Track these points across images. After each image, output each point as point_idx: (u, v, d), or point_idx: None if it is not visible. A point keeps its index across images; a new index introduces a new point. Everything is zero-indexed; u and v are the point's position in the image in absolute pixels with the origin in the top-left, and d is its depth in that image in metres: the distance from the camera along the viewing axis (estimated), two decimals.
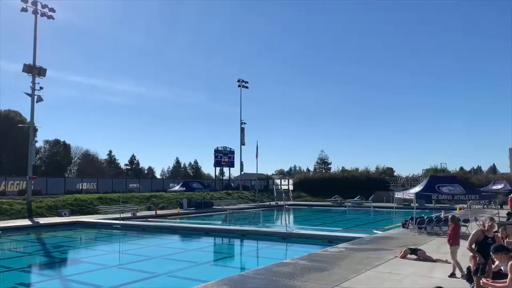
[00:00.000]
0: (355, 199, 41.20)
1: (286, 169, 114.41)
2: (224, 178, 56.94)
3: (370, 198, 41.26)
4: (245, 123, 50.71)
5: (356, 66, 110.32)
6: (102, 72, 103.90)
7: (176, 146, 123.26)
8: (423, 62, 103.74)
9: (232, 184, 53.39)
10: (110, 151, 75.97)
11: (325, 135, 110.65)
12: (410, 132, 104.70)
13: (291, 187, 51.65)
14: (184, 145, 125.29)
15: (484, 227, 6.58)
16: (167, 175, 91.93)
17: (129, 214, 27.60)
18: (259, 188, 50.39)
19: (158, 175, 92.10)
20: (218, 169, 54.30)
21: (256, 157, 47.45)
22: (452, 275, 8.50)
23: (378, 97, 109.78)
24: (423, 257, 10.61)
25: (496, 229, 6.68)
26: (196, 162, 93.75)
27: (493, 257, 5.41)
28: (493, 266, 5.94)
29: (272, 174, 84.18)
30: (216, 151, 49.13)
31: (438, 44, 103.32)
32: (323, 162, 68.98)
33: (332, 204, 41.35)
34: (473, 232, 6.38)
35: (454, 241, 8.47)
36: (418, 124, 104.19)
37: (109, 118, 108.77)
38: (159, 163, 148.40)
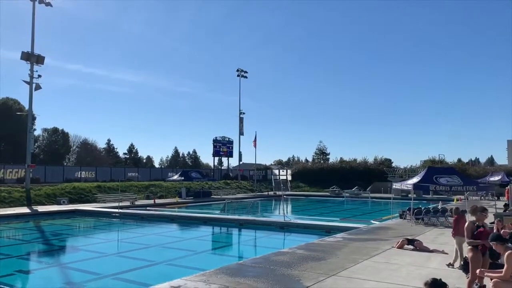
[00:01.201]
0: (353, 189, 41.36)
1: (284, 159, 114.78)
2: (222, 168, 57.00)
3: (368, 189, 41.40)
4: (244, 113, 50.61)
5: (356, 56, 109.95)
6: (101, 60, 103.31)
7: (175, 136, 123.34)
8: (422, 53, 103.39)
9: (231, 174, 53.49)
10: (109, 140, 75.97)
11: (324, 126, 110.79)
12: (408, 123, 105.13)
13: (289, 178, 51.80)
14: (183, 134, 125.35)
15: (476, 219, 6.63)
16: (166, 165, 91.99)
17: (127, 203, 27.67)
18: (258, 178, 50.50)
19: (156, 164, 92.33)
20: (216, 159, 54.26)
21: (254, 146, 47.37)
22: (450, 265, 8.54)
23: (377, 88, 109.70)
24: (420, 247, 10.67)
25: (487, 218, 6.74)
26: (195, 151, 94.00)
27: (491, 245, 5.45)
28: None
29: (271, 165, 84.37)
30: (215, 141, 49.06)
31: (438, 35, 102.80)
32: (322, 153, 69.07)
33: (330, 195, 41.52)
34: (465, 226, 6.38)
35: (456, 232, 8.48)
36: (417, 115, 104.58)
37: (108, 107, 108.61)
38: (157, 152, 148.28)
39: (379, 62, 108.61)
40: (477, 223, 6.34)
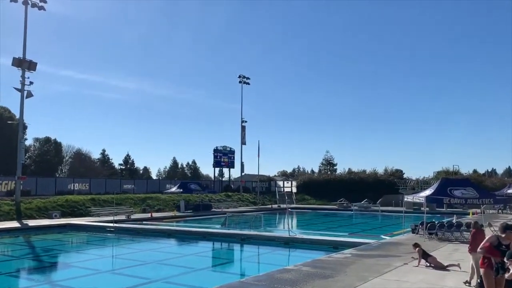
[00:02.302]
0: (362, 202, 41.19)
1: (289, 170, 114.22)
2: (223, 179, 56.98)
3: (378, 202, 41.22)
4: (246, 121, 50.79)
5: (363, 64, 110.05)
6: (96, 67, 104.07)
7: (174, 146, 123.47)
8: (434, 60, 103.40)
9: (232, 186, 53.38)
10: (104, 150, 76.24)
11: (330, 135, 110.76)
12: (420, 132, 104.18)
13: (294, 190, 51.67)
14: (182, 144, 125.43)
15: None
16: (164, 176, 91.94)
17: (123, 217, 27.66)
18: (261, 190, 50.45)
19: (154, 176, 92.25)
20: (217, 169, 54.33)
21: (258, 156, 47.48)
22: (467, 282, 8.46)
23: (387, 96, 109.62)
24: (433, 263, 10.58)
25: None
26: (194, 162, 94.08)
27: (507, 264, 5.39)
28: (506, 275, 5.91)
29: (275, 176, 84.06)
30: (216, 150, 49.20)
31: (451, 42, 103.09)
32: (329, 163, 69.00)
33: (337, 208, 41.38)
34: (487, 237, 6.34)
35: (473, 248, 8.37)
36: (429, 124, 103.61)
37: (103, 115, 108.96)
38: (155, 163, 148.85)
39: (388, 70, 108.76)
40: (503, 242, 6.12)
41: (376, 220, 32.41)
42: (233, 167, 51.69)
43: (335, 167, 68.51)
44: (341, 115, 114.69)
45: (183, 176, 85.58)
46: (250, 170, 55.32)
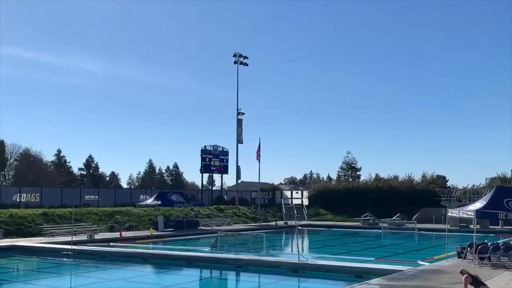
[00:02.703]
0: (394, 218, 41.18)
1: (299, 176, 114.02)
2: (214, 188, 56.97)
3: (414, 217, 41.21)
4: (243, 114, 50.55)
5: (396, 41, 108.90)
6: (48, 43, 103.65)
7: (149, 145, 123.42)
8: (493, 49, 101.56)
9: (225, 197, 53.24)
10: (59, 151, 76.36)
11: (352, 131, 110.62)
12: (470, 129, 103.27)
13: (305, 201, 51.58)
14: (160, 143, 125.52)
15: None
16: (137, 184, 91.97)
17: (84, 237, 27.70)
18: (262, 202, 50.38)
19: (124, 184, 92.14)
20: (206, 176, 54.32)
21: (258, 158, 47.37)
22: None
23: (424, 82, 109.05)
24: None
25: None
26: (176, 166, 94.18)
27: None
28: None
29: (280, 184, 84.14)
30: (204, 151, 49.20)
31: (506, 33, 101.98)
32: (350, 168, 69.02)
33: (362, 225, 41.42)
34: None
35: None
36: (480, 120, 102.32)
37: (58, 106, 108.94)
38: (125, 167, 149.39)
39: (422, 46, 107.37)
40: None
41: (412, 240, 32.33)
42: (226, 172, 51.63)
43: (358, 173, 68.46)
44: (366, 106, 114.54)
45: (162, 184, 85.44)
46: (248, 176, 55.38)
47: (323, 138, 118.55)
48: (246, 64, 50.82)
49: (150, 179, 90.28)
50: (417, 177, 52.99)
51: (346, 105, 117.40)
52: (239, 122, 50.47)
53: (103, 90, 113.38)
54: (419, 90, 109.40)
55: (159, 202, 35.38)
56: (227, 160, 50.94)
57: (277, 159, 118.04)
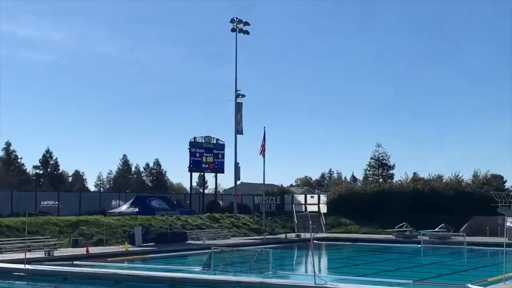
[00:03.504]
0: (437, 229, 41.09)
1: (315, 176, 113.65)
2: (206, 191, 57.02)
3: (462, 229, 41.05)
4: (243, 96, 50.51)
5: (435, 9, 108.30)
6: None
7: (124, 137, 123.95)
8: None
9: (221, 203, 53.11)
10: (8, 144, 76.33)
11: (382, 119, 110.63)
12: None
13: (323, 208, 51.63)
14: (137, 135, 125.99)
15: None
16: (107, 186, 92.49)
17: (41, 254, 27.62)
18: (268, 209, 50.41)
19: (91, 186, 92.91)
20: (196, 176, 53.82)
21: (262, 153, 47.21)
22: None
23: (471, 56, 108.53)
24: None
25: None
26: (157, 163, 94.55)
27: None
28: None
29: (291, 186, 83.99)
30: (193, 144, 49.02)
31: None
32: (381, 165, 68.76)
33: (396, 238, 41.38)
34: None
35: None
36: None
37: (5, 88, 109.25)
38: (92, 165, 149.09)
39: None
40: None
41: (460, 258, 32.42)
42: (222, 171, 51.60)
43: (391, 172, 68.37)
44: (398, 90, 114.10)
45: (140, 186, 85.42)
46: (250, 176, 55.31)
47: (345, 128, 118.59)
48: (247, 32, 50.61)
49: (125, 180, 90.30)
50: (467, 177, 52.88)
51: (374, 86, 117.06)
52: (239, 107, 50.36)
53: (64, 67, 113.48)
54: (466, 68, 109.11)
55: (136, 209, 35.30)
56: (223, 155, 50.82)
57: (286, 155, 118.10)
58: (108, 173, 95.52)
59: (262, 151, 47.02)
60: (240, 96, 50.36)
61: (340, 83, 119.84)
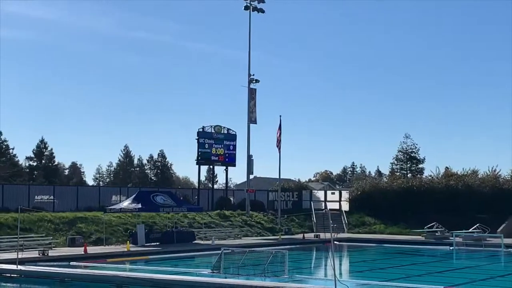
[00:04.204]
0: (471, 230, 41.01)
1: (336, 171, 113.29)
2: (216, 186, 57.27)
3: (500, 229, 40.98)
4: (257, 81, 50.64)
5: None
6: None
7: (125, 127, 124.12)
8: None
9: (232, 199, 53.63)
10: None
11: (411, 108, 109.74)
12: None
13: (345, 206, 51.79)
14: (140, 124, 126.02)
15: None
16: (107, 180, 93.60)
17: (35, 253, 27.93)
18: (284, 206, 50.62)
19: (89, 180, 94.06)
20: (204, 169, 53.96)
21: (278, 144, 47.28)
22: None
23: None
24: None
25: None
26: (162, 155, 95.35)
27: None
28: None
29: (310, 181, 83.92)
30: (202, 134, 49.33)
31: None
32: (409, 158, 68.57)
33: (425, 240, 41.44)
34: None
35: None
36: None
37: None
38: (91, 156, 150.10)
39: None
40: None
41: (496, 262, 32.27)
42: (233, 164, 51.97)
43: (420, 166, 68.12)
44: (430, 70, 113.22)
45: (143, 180, 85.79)
46: (264, 170, 55.36)
47: (370, 118, 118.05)
48: (262, 11, 50.54)
49: (127, 174, 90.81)
50: (505, 172, 52.50)
51: (402, 71, 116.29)
52: (252, 93, 50.45)
53: (57, 46, 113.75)
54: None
55: (139, 206, 35.58)
56: (234, 147, 51.14)
57: (305, 147, 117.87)
58: (108, 166, 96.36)
59: (278, 143, 47.22)
60: (254, 82, 50.39)
61: (366, 69, 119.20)
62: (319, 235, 42.62)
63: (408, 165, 68.21)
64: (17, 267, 23.35)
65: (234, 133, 51.22)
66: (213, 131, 49.97)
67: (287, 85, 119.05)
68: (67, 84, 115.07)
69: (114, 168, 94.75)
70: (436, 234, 41.86)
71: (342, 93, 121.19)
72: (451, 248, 37.54)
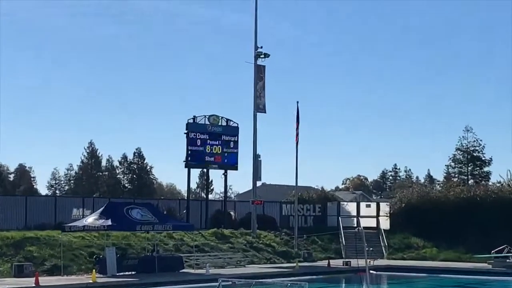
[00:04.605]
0: None
1: (372, 176, 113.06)
2: (211, 196, 57.23)
3: None
4: (267, 56, 50.38)
5: None
6: None
7: (90, 116, 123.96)
8: None
9: (233, 213, 53.55)
10: None
11: (471, 93, 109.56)
12: None
13: (385, 223, 51.85)
14: (109, 112, 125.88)
15: None
16: (66, 188, 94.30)
17: None
18: (303, 223, 50.76)
19: (42, 188, 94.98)
20: (196, 174, 53.46)
21: (296, 140, 47.13)
22: None
23: None
24: None
25: None
26: (139, 155, 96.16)
27: None
28: None
29: (337, 190, 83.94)
30: (193, 127, 49.38)
31: None
32: (471, 159, 68.22)
33: (493, 268, 41.21)
34: None
35: None
36: None
37: None
38: (44, 157, 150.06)
39: None
40: None
41: None
42: (234, 167, 52.06)
43: (485, 169, 67.82)
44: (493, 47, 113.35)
45: (114, 188, 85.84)
46: (276, 175, 54.97)
47: (417, 106, 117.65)
48: None
49: (92, 179, 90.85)
50: None
51: (456, 48, 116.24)
52: (260, 72, 50.28)
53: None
54: None
55: (109, 223, 35.40)
56: (236, 143, 51.33)
57: (330, 144, 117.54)
58: (68, 169, 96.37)
59: (296, 137, 46.99)
60: (262, 56, 50.06)
61: (409, 44, 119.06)
62: (350, 262, 42.34)
63: (469, 168, 67.92)
64: None
65: (236, 125, 51.33)
66: (207, 122, 49.95)
67: (305, 62, 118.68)
68: (12, 64, 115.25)
69: (76, 173, 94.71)
70: (508, 260, 41.49)
71: (379, 75, 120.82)
72: None
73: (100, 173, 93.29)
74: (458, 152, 68.86)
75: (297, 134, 47.06)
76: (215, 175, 57.37)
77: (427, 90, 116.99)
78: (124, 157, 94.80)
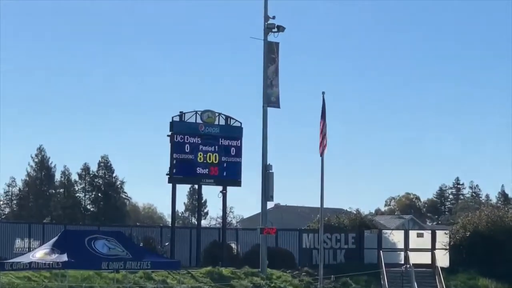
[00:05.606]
0: None
1: (426, 195, 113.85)
2: (206, 223, 57.66)
3: None
4: (280, 29, 50.38)
5: None
6: None
7: (39, 116, 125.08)
8: None
9: (235, 246, 53.95)
10: None
11: None
12: None
13: (443, 258, 51.98)
14: (65, 111, 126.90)
15: None
16: (6, 211, 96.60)
17: None
18: (331, 259, 51.67)
19: None
20: (184, 191, 53.87)
21: (322, 148, 47.37)
22: None
23: None
24: None
25: None
26: (106, 165, 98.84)
27: None
28: None
29: (377, 214, 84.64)
30: (179, 127, 49.96)
31: None
32: None
33: None
34: None
35: None
36: None
37: None
38: None
39: None
40: None
41: None
42: (237, 182, 52.74)
43: None
44: None
45: (71, 211, 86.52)
46: (293, 194, 55.31)
47: (484, 101, 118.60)
48: None
49: (42, 199, 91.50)
50: None
51: None
52: (271, 51, 50.64)
53: None
54: None
55: (65, 258, 35.61)
56: (239, 150, 51.95)
57: (366, 153, 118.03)
58: (8, 185, 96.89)
59: (323, 147, 47.14)
60: (275, 30, 50.20)
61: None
62: None
63: None
64: None
65: (239, 124, 51.90)
66: (199, 121, 50.38)
67: (331, 41, 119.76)
68: None
69: (20, 190, 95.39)
70: None
71: (434, 57, 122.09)
72: None
73: (53, 191, 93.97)
74: None
75: (322, 138, 47.28)
76: (210, 193, 57.80)
77: (493, 78, 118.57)
78: (86, 169, 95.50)
